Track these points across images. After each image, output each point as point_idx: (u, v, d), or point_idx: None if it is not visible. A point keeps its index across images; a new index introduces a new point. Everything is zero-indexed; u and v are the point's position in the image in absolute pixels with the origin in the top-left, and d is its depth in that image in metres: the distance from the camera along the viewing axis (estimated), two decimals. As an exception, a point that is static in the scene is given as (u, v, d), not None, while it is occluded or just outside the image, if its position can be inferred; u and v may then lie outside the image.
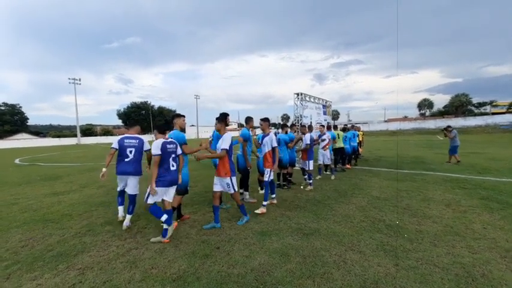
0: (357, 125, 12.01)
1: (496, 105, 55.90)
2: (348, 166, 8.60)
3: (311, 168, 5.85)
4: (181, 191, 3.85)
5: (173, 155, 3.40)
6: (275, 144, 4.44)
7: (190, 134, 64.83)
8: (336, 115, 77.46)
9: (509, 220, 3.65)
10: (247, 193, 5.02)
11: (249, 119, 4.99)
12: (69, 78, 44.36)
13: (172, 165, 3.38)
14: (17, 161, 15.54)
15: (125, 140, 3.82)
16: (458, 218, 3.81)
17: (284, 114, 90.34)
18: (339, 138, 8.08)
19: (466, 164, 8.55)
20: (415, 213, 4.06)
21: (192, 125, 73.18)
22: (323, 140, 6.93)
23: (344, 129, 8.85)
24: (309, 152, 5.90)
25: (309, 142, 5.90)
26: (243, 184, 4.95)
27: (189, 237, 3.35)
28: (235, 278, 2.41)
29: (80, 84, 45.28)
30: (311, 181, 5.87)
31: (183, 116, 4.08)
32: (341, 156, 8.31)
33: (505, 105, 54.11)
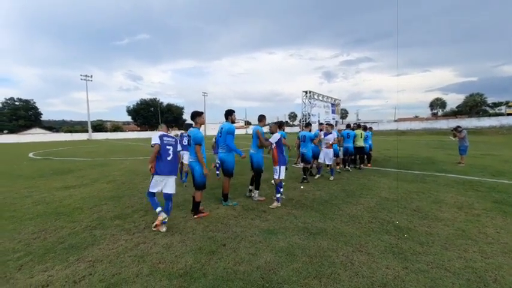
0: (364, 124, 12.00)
1: (511, 106, 53.90)
2: (369, 165, 8.77)
3: (282, 176, 4.63)
4: (200, 186, 3.98)
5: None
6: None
7: (197, 131, 65.38)
8: (344, 114, 76.35)
9: (525, 225, 3.52)
10: (257, 192, 4.99)
11: (262, 117, 5.21)
12: (81, 75, 45.23)
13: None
14: (31, 155, 16.04)
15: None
16: (471, 221, 3.70)
17: (292, 113, 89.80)
18: (361, 137, 8.41)
19: (480, 166, 8.29)
20: (426, 215, 3.96)
21: (200, 122, 73.76)
22: (327, 140, 6.75)
23: (365, 128, 9.01)
24: (279, 157, 4.66)
25: (273, 142, 4.65)
26: (255, 182, 5.00)
27: (195, 233, 3.38)
28: (241, 275, 2.41)
29: (91, 80, 46.19)
30: (279, 195, 4.58)
31: (203, 113, 4.17)
32: (360, 155, 8.61)
33: (521, 106, 52.07)
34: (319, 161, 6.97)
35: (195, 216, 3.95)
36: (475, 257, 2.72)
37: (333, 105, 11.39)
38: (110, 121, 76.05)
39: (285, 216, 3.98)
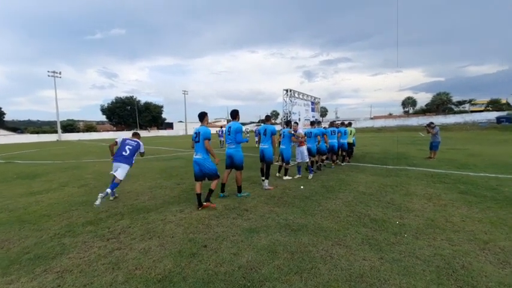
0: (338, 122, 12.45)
1: (474, 104, 58.70)
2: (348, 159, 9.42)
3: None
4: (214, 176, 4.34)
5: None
6: None
7: (178, 130, 63.65)
8: (324, 112, 78.43)
9: (486, 213, 3.82)
10: (266, 181, 5.63)
11: (268, 117, 6.13)
12: (48, 71, 42.13)
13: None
14: (-9, 158, 14.64)
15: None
16: (439, 211, 3.96)
17: (274, 111, 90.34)
18: (350, 134, 9.14)
19: (446, 160, 8.91)
20: (399, 207, 4.18)
21: (180, 121, 71.92)
22: (297, 137, 6.61)
23: (349, 125, 9.66)
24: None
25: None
26: (265, 173, 5.66)
27: (175, 236, 3.27)
28: (222, 276, 2.38)
29: (60, 77, 43.14)
30: None
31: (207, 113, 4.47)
32: (347, 151, 9.10)
33: (483, 104, 56.96)
34: (297, 160, 6.84)
35: (204, 204, 4.28)
36: (443, 244, 2.91)
37: (312, 103, 11.60)
38: (83, 121, 71.58)
39: (267, 214, 3.99)
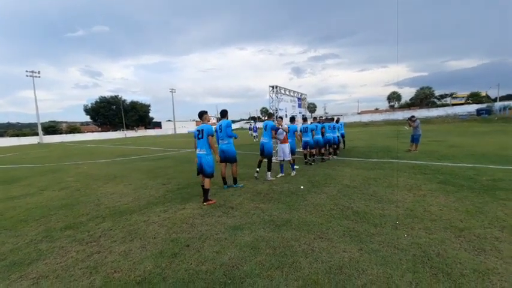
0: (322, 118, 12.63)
1: (455, 97, 60.88)
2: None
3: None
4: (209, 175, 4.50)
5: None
6: None
7: (166, 129, 62.54)
8: (312, 108, 79.17)
9: (463, 202, 3.97)
10: (269, 173, 6.15)
11: (271, 114, 7.24)
12: (26, 71, 40.25)
13: None
14: (-35, 164, 13.89)
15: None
16: (418, 201, 4.09)
17: (263, 108, 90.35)
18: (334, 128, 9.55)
19: (428, 152, 9.21)
20: (381, 199, 4.28)
21: (169, 120, 70.70)
22: (279, 134, 6.28)
23: (337, 121, 10.16)
24: None
25: None
26: (267, 165, 6.18)
27: (157, 236, 3.22)
28: (203, 275, 2.36)
29: (39, 77, 41.27)
30: None
31: (207, 112, 4.78)
32: (337, 144, 9.61)
33: (463, 97, 59.16)
34: (279, 158, 6.53)
35: (205, 204, 4.38)
36: (420, 233, 3.01)
37: (299, 99, 11.67)
38: (65, 122, 69.06)
39: (252, 211, 3.99)
